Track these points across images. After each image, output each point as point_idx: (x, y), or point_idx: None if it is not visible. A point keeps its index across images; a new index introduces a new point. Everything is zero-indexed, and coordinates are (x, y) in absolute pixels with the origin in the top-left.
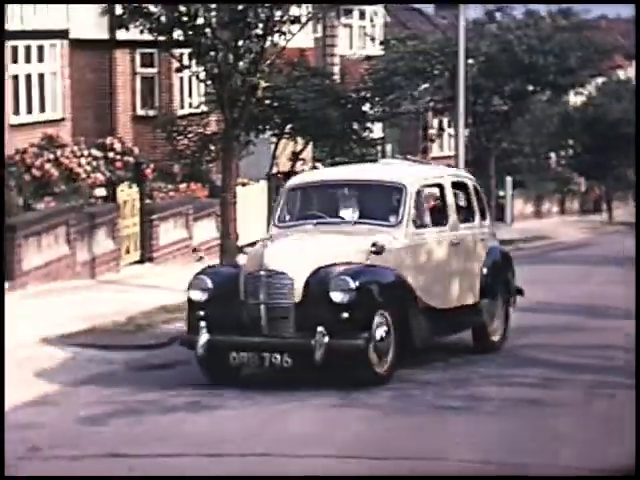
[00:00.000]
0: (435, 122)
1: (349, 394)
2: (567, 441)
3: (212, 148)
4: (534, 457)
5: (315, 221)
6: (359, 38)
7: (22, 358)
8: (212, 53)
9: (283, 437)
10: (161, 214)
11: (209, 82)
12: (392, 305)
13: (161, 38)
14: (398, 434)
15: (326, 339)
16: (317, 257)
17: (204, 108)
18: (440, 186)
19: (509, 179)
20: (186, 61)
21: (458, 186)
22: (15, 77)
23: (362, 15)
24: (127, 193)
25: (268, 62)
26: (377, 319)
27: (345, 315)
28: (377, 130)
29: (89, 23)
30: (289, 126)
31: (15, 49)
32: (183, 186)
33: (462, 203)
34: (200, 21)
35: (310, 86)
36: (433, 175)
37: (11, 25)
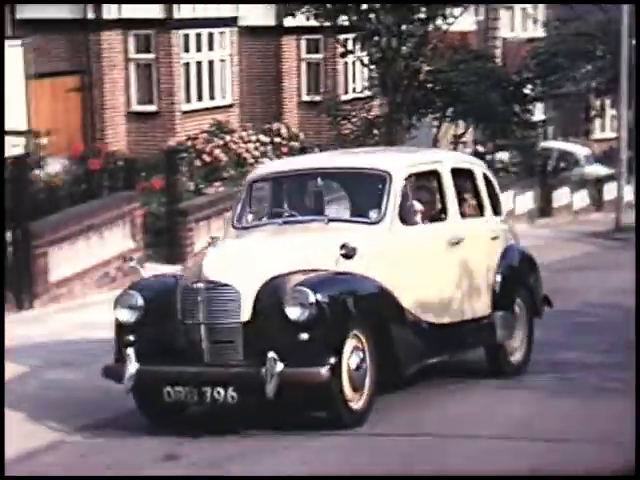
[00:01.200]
0: (598, 104)
1: (512, 377)
2: None
3: (375, 132)
4: None
5: (281, 220)
6: (521, 20)
7: None
8: (376, 38)
9: (451, 417)
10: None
11: (373, 66)
12: (369, 322)
13: (326, 24)
14: (560, 416)
15: (279, 367)
16: (272, 264)
17: (368, 93)
18: (436, 173)
19: None
20: (350, 46)
21: (461, 173)
22: (186, 65)
23: None
24: None
25: (431, 46)
26: (350, 342)
27: (304, 336)
28: (539, 113)
29: (257, 10)
30: (451, 109)
31: (187, 37)
32: None
33: (467, 194)
34: (364, 6)
35: (472, 69)
36: (427, 160)
37: (183, 14)
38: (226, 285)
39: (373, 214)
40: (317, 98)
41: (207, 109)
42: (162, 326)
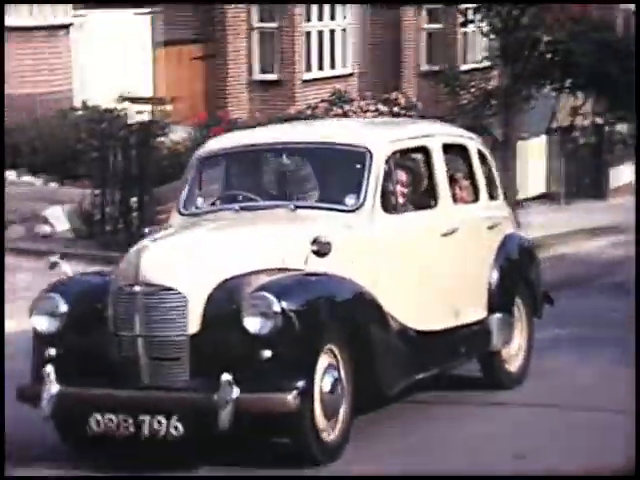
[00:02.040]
0: None
1: (623, 350)
2: None
3: (493, 103)
4: None
5: (238, 205)
6: None
7: None
8: (496, 7)
9: (567, 390)
10: None
11: (492, 36)
12: (346, 334)
13: None
14: None
15: (235, 393)
16: (227, 262)
17: (486, 63)
18: (425, 150)
19: None
20: (470, 15)
21: (454, 150)
22: (308, 34)
23: None
24: None
25: (551, 16)
26: (323, 359)
27: (266, 354)
28: None
29: None
30: (569, 80)
31: (308, 7)
32: None
33: (460, 174)
34: None
35: (592, 40)
36: (414, 134)
37: None
38: (170, 289)
39: (350, 200)
40: (435, 68)
41: (327, 78)
42: (90, 338)
